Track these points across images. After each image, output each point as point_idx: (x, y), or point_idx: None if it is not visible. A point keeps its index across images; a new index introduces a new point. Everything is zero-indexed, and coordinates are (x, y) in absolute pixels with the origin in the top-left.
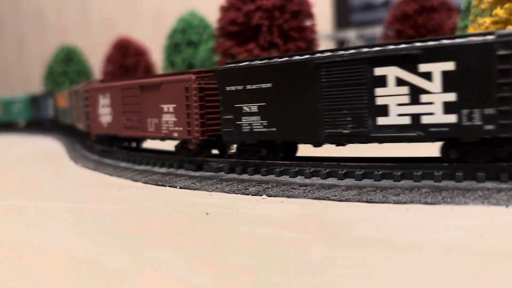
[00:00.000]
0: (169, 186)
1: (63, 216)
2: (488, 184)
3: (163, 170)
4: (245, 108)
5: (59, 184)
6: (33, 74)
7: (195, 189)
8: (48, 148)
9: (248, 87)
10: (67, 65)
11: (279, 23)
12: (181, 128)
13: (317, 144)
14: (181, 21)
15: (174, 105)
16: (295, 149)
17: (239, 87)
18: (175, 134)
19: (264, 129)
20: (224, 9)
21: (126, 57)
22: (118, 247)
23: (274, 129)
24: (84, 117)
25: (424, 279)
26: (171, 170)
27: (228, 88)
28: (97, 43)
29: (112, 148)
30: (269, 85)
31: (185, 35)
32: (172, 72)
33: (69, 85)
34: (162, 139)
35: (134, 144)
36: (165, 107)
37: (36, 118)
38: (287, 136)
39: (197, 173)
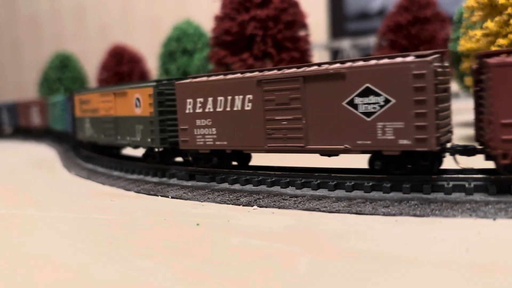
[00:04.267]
0: (161, 196)
1: (55, 226)
2: (476, 197)
3: (155, 179)
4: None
5: (51, 193)
6: (28, 80)
7: (187, 199)
8: (41, 156)
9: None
10: (62, 71)
11: (273, 33)
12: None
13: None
14: (176, 30)
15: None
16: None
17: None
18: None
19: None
20: (219, 19)
21: (121, 64)
22: (108, 258)
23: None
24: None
25: None
26: (163, 179)
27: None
28: (92, 50)
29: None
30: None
31: (180, 43)
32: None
33: (64, 92)
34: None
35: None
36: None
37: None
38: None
39: (189, 183)
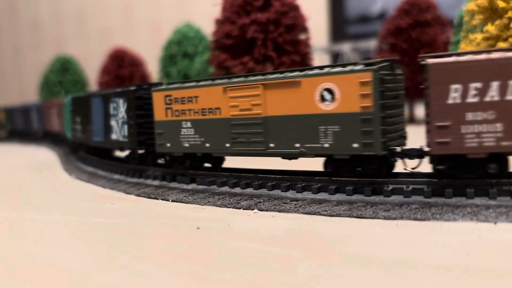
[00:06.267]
0: (162, 199)
1: (55, 229)
2: (477, 201)
3: (156, 183)
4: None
5: (51, 196)
6: (29, 83)
7: (187, 202)
8: (42, 159)
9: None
10: (62, 75)
11: (273, 37)
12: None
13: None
14: (176, 33)
15: None
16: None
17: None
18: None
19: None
20: (219, 22)
21: (122, 68)
22: (108, 262)
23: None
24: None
25: None
26: (164, 183)
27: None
28: (93, 53)
29: None
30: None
31: (180, 46)
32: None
33: (65, 95)
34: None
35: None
36: None
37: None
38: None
39: (190, 186)
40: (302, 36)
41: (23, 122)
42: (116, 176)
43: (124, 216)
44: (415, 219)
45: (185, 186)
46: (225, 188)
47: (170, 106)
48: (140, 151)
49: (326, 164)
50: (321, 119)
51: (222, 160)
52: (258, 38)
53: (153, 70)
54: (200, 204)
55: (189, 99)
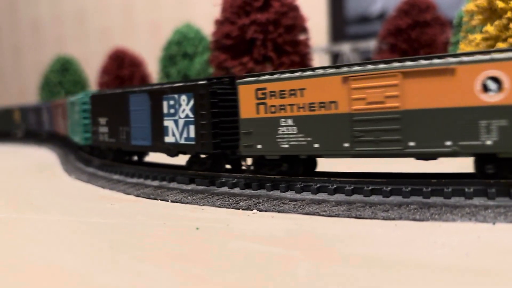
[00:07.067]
0: (161, 200)
1: (55, 230)
2: (476, 201)
3: (155, 183)
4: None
5: (51, 196)
6: (29, 83)
7: (187, 203)
8: (42, 159)
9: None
10: (62, 75)
11: (273, 37)
12: None
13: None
14: (176, 33)
15: None
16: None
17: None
18: None
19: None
20: (219, 23)
21: (122, 68)
22: (108, 262)
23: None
24: None
25: None
26: (163, 183)
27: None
28: (93, 54)
29: None
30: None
31: (180, 47)
32: None
33: (65, 95)
34: None
35: None
36: None
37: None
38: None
39: (189, 187)
40: (301, 37)
41: (36, 122)
42: (116, 177)
43: (124, 216)
44: (414, 219)
45: (184, 187)
46: (224, 189)
47: (263, 101)
48: (203, 156)
49: (480, 165)
50: (482, 112)
51: (315, 163)
52: (258, 38)
53: (153, 70)
54: (199, 205)
55: (291, 92)
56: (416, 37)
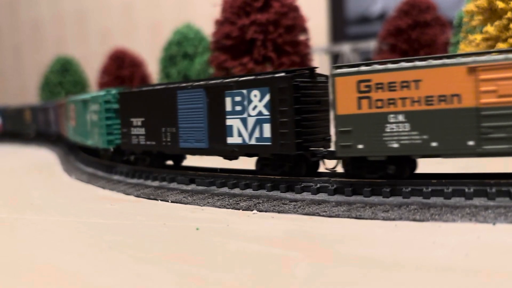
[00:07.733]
0: (161, 200)
1: (54, 230)
2: (476, 202)
3: (155, 183)
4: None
5: (51, 197)
6: (29, 84)
7: (187, 203)
8: (42, 159)
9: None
10: (63, 75)
11: (273, 38)
12: None
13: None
14: (176, 34)
15: None
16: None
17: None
18: None
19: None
20: (219, 23)
21: (122, 68)
22: (108, 262)
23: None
24: None
25: None
26: (164, 183)
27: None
28: (93, 54)
29: None
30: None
31: (180, 47)
32: None
33: (65, 96)
34: None
35: None
36: None
37: None
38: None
39: (189, 187)
40: (301, 37)
41: (44, 122)
42: (116, 177)
43: (124, 216)
44: (414, 220)
45: (184, 187)
46: (225, 189)
47: (367, 95)
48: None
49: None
50: None
51: (416, 164)
52: (258, 39)
53: (153, 71)
54: (199, 205)
55: (403, 84)
56: (416, 37)
